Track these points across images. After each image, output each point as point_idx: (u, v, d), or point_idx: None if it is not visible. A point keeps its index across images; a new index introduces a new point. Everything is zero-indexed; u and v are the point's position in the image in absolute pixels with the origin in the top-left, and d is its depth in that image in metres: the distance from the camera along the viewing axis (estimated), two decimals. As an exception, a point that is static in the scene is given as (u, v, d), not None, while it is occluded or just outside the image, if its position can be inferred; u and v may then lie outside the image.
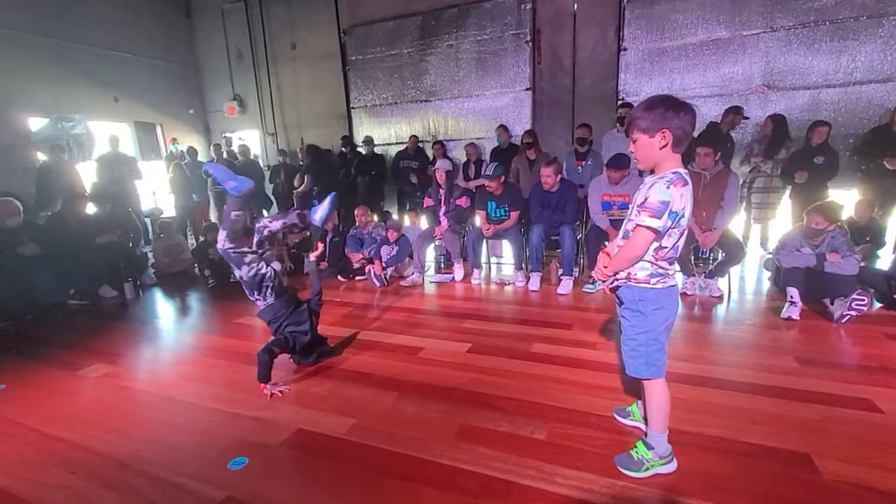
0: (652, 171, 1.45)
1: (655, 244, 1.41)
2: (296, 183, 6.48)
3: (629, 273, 1.48)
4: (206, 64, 8.21)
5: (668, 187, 1.33)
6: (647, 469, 1.57)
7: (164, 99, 7.68)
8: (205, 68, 8.26)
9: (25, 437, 2.01)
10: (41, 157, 5.68)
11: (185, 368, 2.71)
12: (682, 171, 1.37)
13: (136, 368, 2.77)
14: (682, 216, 1.37)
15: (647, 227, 1.37)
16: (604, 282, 1.57)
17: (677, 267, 3.64)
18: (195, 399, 2.28)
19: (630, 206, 1.51)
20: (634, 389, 1.95)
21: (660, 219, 1.34)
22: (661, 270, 1.45)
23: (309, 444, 1.87)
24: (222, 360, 2.75)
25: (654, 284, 1.46)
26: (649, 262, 1.45)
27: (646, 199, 1.37)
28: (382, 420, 2.01)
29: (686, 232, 1.44)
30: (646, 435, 1.63)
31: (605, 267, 1.53)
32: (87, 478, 1.71)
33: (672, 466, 1.58)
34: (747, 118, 4.69)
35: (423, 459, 1.72)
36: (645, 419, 1.67)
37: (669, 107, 1.33)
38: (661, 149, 1.37)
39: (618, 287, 1.55)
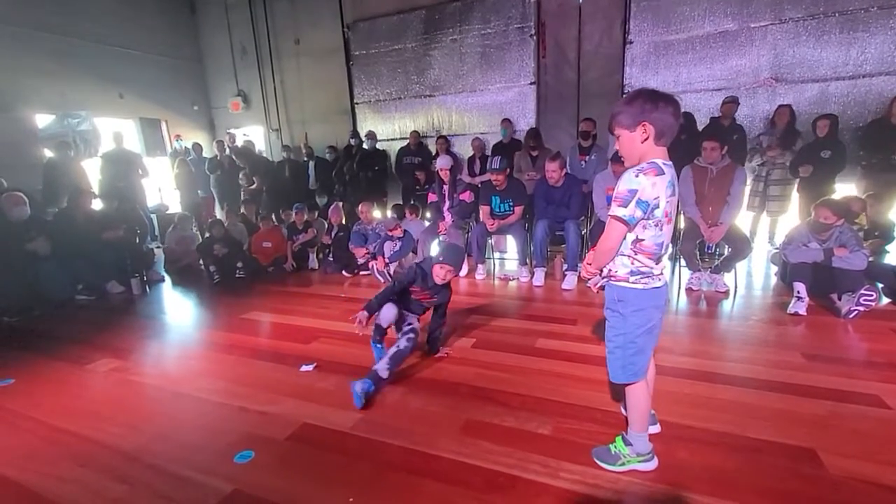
0: None
1: (632, 236, 1.37)
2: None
3: (609, 270, 1.44)
4: (210, 60, 8.21)
5: (636, 175, 1.30)
6: (623, 464, 1.56)
7: (169, 95, 7.69)
8: (209, 64, 8.26)
9: (35, 431, 2.03)
10: (48, 153, 5.71)
11: (192, 363, 2.74)
12: (661, 161, 1.32)
13: (144, 363, 2.79)
14: (657, 206, 1.31)
15: (615, 217, 1.34)
16: (591, 280, 1.52)
17: (687, 268, 3.62)
18: (202, 393, 2.30)
19: None
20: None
21: (626, 207, 1.31)
22: (642, 268, 1.39)
23: (315, 437, 1.88)
24: (229, 355, 2.77)
25: (633, 284, 1.41)
26: (628, 256, 1.40)
27: (616, 190, 1.35)
28: (388, 414, 2.02)
29: (668, 225, 1.37)
30: (626, 432, 1.61)
31: (590, 264, 1.50)
32: (96, 471, 1.73)
33: (651, 465, 1.57)
34: (738, 104, 4.64)
35: (428, 454, 1.73)
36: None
37: (648, 99, 1.30)
38: (643, 142, 1.33)
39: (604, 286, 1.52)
